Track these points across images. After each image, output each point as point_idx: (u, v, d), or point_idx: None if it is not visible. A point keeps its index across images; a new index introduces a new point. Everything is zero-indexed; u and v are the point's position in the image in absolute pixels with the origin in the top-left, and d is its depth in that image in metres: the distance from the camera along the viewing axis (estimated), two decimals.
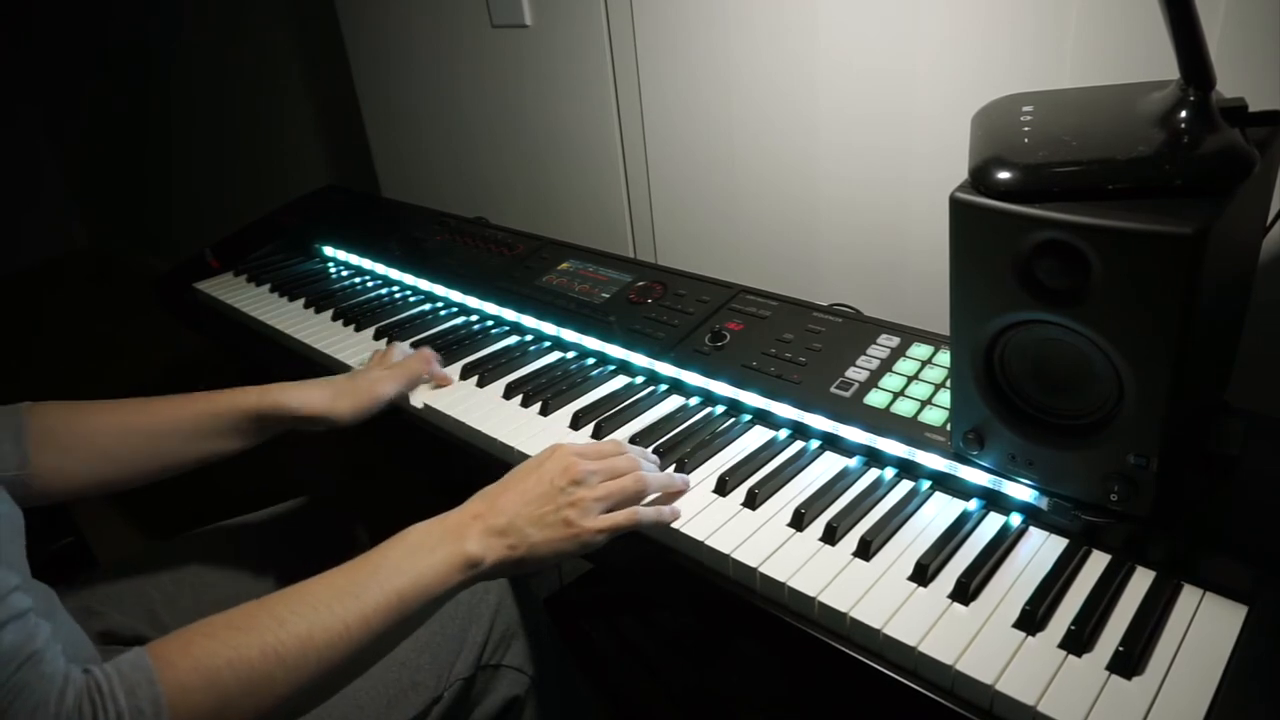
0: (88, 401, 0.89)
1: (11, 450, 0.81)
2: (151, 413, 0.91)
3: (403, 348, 1.09)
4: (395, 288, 1.35)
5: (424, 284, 1.31)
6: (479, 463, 0.95)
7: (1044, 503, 0.72)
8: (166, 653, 0.57)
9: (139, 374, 2.75)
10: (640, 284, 1.13)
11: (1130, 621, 0.63)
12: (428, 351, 1.06)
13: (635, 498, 0.78)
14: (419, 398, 1.02)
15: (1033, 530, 0.73)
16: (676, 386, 0.99)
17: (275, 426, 0.95)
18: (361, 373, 1.01)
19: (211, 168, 2.85)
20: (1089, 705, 0.57)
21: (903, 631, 0.64)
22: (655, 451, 0.86)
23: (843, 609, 0.66)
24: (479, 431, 0.95)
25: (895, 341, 0.92)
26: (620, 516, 0.76)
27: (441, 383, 1.05)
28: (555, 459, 0.77)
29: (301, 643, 0.60)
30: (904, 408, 0.83)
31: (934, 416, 0.81)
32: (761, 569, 0.71)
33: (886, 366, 0.89)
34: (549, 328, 1.12)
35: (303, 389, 0.95)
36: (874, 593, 0.68)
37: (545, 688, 0.95)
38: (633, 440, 0.89)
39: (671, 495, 0.81)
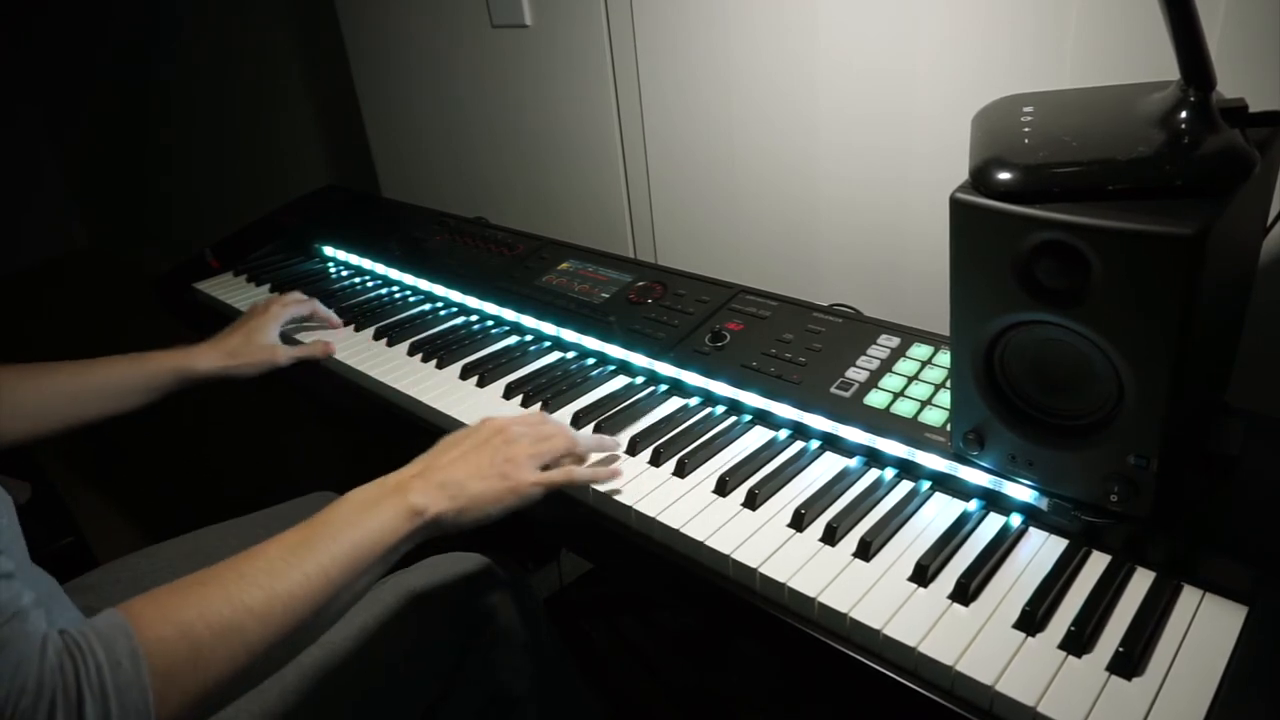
0: (21, 365, 1.00)
1: None
2: (84, 375, 1.02)
3: (289, 297, 1.22)
4: (395, 288, 1.35)
5: (424, 284, 1.31)
6: None
7: (1044, 503, 0.72)
8: (138, 609, 0.58)
9: None
10: (640, 284, 1.13)
11: (1130, 622, 0.63)
12: (300, 303, 1.20)
13: (566, 456, 0.83)
14: (424, 397, 1.02)
15: (1033, 531, 0.73)
16: (676, 387, 0.99)
17: (187, 385, 1.09)
18: (253, 330, 1.14)
19: (211, 168, 2.85)
20: (1089, 706, 0.57)
21: (903, 632, 0.64)
22: (655, 451, 0.86)
23: (843, 609, 0.66)
24: None
25: (895, 341, 0.92)
26: (557, 474, 0.81)
27: (330, 323, 1.21)
28: (486, 424, 0.83)
29: (267, 594, 0.62)
30: (904, 408, 0.83)
31: (934, 417, 0.81)
32: (761, 569, 0.71)
33: (886, 367, 0.89)
34: (549, 328, 1.12)
35: (208, 353, 1.10)
36: (874, 593, 0.68)
37: (545, 688, 0.95)
38: (633, 440, 0.89)
39: (608, 461, 0.86)
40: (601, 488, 0.83)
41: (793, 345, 0.94)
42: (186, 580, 0.62)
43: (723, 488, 0.81)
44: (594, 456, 0.87)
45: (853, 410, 0.85)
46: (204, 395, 1.12)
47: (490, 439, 0.80)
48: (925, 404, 0.83)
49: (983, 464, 0.74)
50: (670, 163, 1.34)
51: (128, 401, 1.05)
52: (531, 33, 1.43)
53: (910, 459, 0.80)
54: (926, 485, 0.79)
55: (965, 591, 0.66)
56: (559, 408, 0.97)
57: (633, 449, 0.88)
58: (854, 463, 0.83)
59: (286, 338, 1.19)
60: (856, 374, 0.88)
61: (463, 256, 1.33)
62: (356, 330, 1.22)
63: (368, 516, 0.71)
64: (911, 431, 0.80)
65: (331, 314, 1.22)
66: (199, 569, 0.96)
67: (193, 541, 1.02)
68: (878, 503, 0.78)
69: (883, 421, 0.82)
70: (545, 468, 0.81)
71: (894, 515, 0.75)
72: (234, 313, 1.35)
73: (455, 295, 1.26)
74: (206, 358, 1.10)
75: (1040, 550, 0.71)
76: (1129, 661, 0.59)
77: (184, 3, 2.51)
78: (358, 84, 1.82)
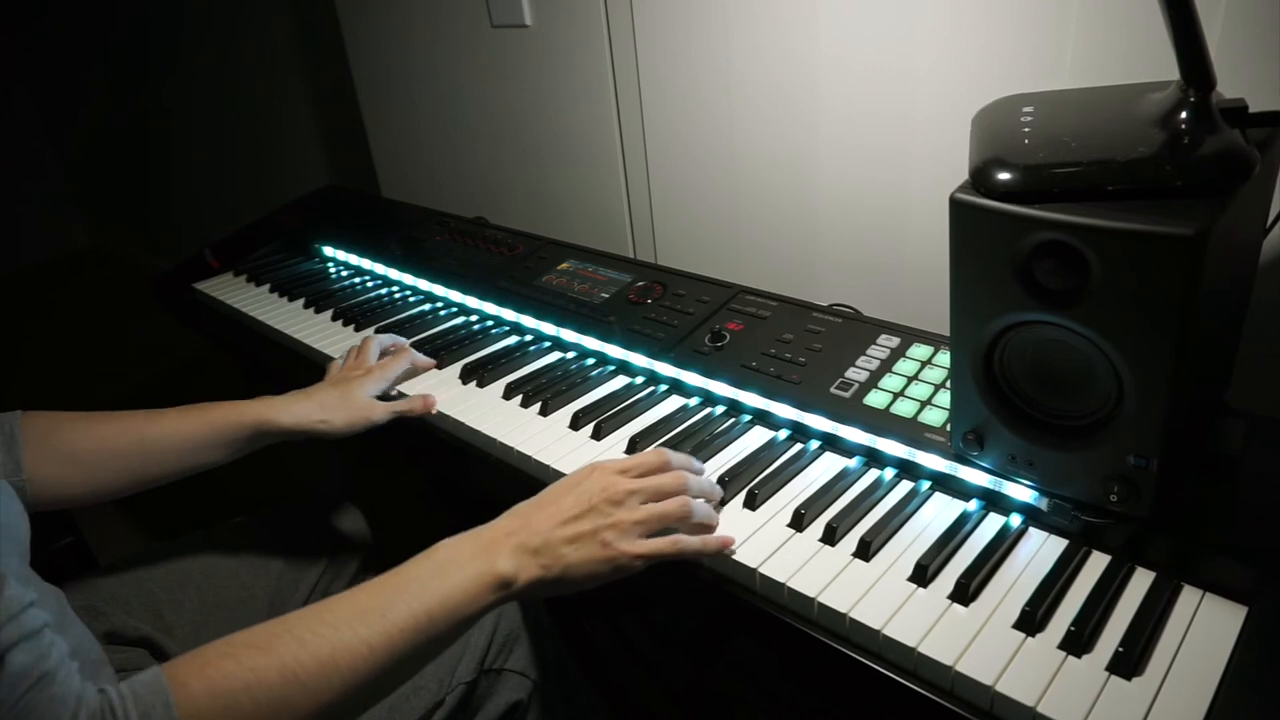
0: (83, 413, 0.90)
1: (5, 458, 0.81)
2: (147, 425, 0.91)
3: (381, 341, 1.10)
4: (395, 288, 1.35)
5: (424, 284, 1.31)
6: (479, 462, 0.95)
7: (1044, 503, 0.72)
8: (182, 674, 0.56)
9: (139, 374, 2.75)
10: (640, 284, 1.13)
11: (1130, 622, 0.63)
12: (405, 356, 1.07)
13: (679, 522, 0.74)
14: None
15: (1032, 531, 0.73)
16: (676, 387, 0.99)
17: (267, 440, 0.96)
18: (353, 386, 1.00)
19: (211, 168, 2.85)
20: (1089, 706, 0.57)
21: (902, 632, 0.64)
22: None
23: (842, 609, 0.66)
24: (479, 432, 0.95)
25: (895, 342, 0.92)
26: (663, 544, 0.72)
27: (424, 366, 1.08)
28: (595, 477, 0.74)
29: (323, 665, 0.58)
30: (904, 408, 0.83)
31: (934, 417, 0.81)
32: (761, 569, 0.71)
33: (886, 367, 0.88)
34: (549, 328, 1.12)
35: (295, 404, 0.96)
36: (874, 593, 0.68)
37: (548, 692, 0.95)
38: (633, 440, 0.89)
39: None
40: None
41: (792, 345, 0.94)
42: (239, 640, 0.59)
43: (722, 487, 0.81)
44: (701, 508, 0.76)
45: (852, 410, 0.85)
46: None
47: (595, 498, 0.72)
48: (925, 404, 0.83)
49: (982, 464, 0.74)
50: (670, 163, 1.34)
51: (201, 457, 0.93)
52: (531, 33, 1.43)
53: (910, 459, 0.80)
54: (926, 485, 0.79)
55: (965, 591, 0.66)
56: (559, 408, 0.97)
57: (632, 449, 0.88)
58: (854, 463, 0.83)
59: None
60: (856, 374, 0.88)
61: (463, 256, 1.33)
62: (357, 330, 1.22)
63: (449, 581, 0.65)
64: (911, 431, 0.80)
65: (423, 358, 1.09)
66: (203, 569, 0.97)
67: (194, 542, 1.01)
68: (877, 503, 0.78)
69: (882, 421, 0.82)
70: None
71: (894, 515, 0.75)
72: (234, 313, 1.35)
73: (455, 295, 1.26)
74: (293, 411, 0.95)
75: (1040, 550, 0.71)
76: (1129, 661, 0.59)
77: (184, 3, 2.51)
78: (358, 84, 1.82)
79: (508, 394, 1.01)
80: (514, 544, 0.69)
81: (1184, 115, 0.62)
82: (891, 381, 0.86)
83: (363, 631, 0.61)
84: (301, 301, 1.33)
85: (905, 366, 0.88)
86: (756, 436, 0.89)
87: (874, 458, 0.83)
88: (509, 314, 1.18)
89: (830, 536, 0.74)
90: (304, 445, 0.97)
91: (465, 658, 0.88)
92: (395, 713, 0.82)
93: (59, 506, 0.86)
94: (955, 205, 0.64)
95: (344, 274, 1.42)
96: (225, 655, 0.57)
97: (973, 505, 0.76)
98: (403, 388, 1.06)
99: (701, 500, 0.77)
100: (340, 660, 0.59)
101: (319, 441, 0.97)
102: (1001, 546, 0.70)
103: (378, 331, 1.19)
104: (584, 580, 0.70)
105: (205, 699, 0.55)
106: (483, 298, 1.21)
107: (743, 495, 0.79)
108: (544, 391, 0.99)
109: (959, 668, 0.61)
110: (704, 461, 0.85)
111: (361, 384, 1.00)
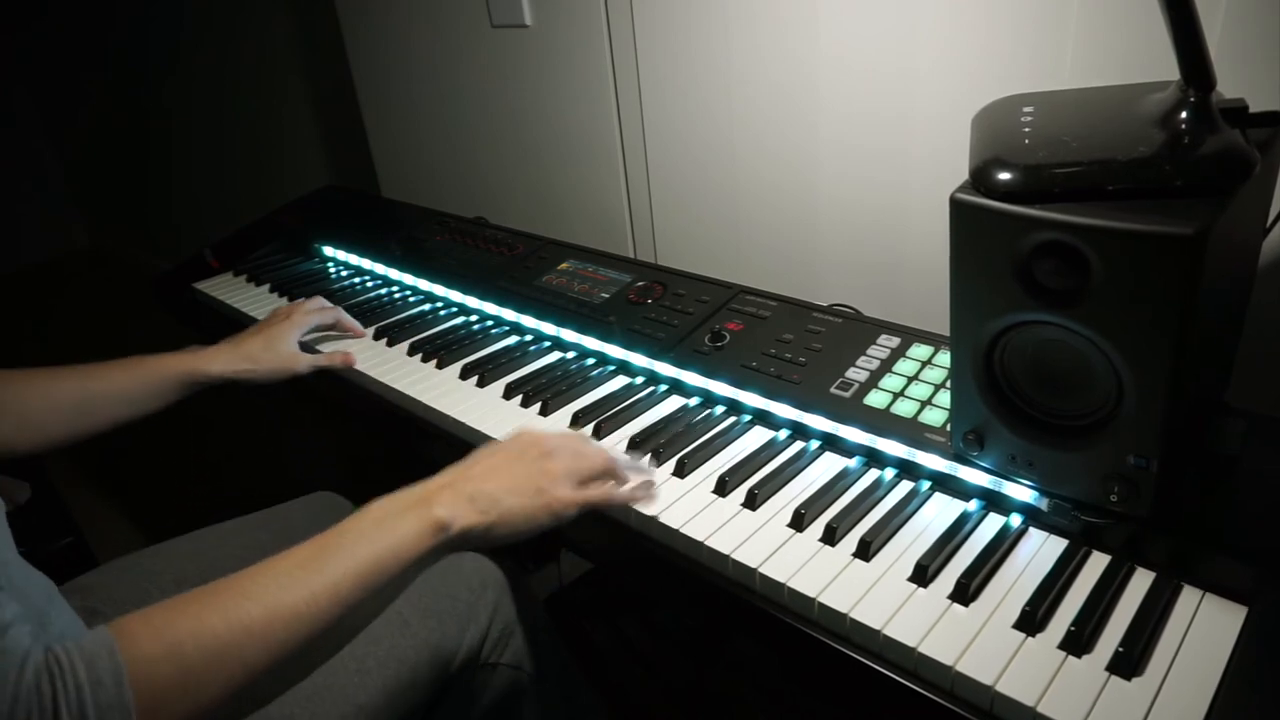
0: (27, 370, 0.96)
1: None
2: (88, 380, 0.99)
3: (314, 301, 1.20)
4: (395, 288, 1.35)
5: (424, 284, 1.31)
6: None
7: (1044, 503, 0.72)
8: (128, 626, 0.56)
9: None
10: (640, 284, 1.13)
11: (1130, 622, 0.63)
12: (329, 312, 1.18)
13: (603, 475, 0.80)
14: (424, 397, 1.02)
15: (1033, 531, 0.73)
16: (676, 387, 0.99)
17: (198, 387, 1.06)
18: (275, 333, 1.11)
19: (211, 167, 2.85)
20: (1089, 706, 0.57)
21: (902, 632, 0.64)
22: (655, 451, 0.86)
23: (842, 609, 0.66)
24: (479, 432, 0.95)
25: (895, 342, 0.92)
26: (594, 492, 0.77)
27: (354, 332, 1.19)
28: (523, 435, 0.79)
29: (268, 613, 0.59)
30: (904, 408, 0.83)
31: (934, 417, 0.81)
32: (761, 569, 0.71)
33: (886, 367, 0.89)
34: (549, 328, 1.12)
35: (222, 353, 1.07)
36: (874, 593, 0.68)
37: (544, 686, 0.95)
38: (633, 440, 0.89)
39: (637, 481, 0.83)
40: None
41: (793, 345, 0.94)
42: (185, 596, 0.60)
43: (722, 488, 0.81)
44: (633, 479, 0.82)
45: (853, 410, 0.85)
46: (205, 394, 1.10)
47: (526, 450, 0.76)
48: (925, 404, 0.83)
49: (983, 464, 0.74)
50: (670, 163, 1.34)
51: (138, 407, 1.02)
52: (531, 33, 1.43)
53: (910, 459, 0.80)
54: (926, 485, 0.79)
55: (965, 592, 0.66)
56: (559, 408, 0.97)
57: (632, 449, 0.88)
58: (854, 463, 0.83)
59: (307, 346, 1.14)
60: (856, 374, 0.88)
61: (463, 256, 1.33)
62: None
63: (387, 530, 0.67)
64: (911, 431, 0.80)
65: (355, 323, 1.19)
66: (201, 569, 0.97)
67: (193, 541, 1.01)
68: (878, 503, 0.78)
69: (883, 421, 0.82)
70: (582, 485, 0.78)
71: (894, 515, 0.75)
72: (234, 313, 1.35)
73: (455, 295, 1.26)
74: (221, 360, 1.06)
75: (1040, 550, 0.71)
76: (1129, 661, 0.59)
77: (184, 3, 2.51)
78: (358, 84, 1.82)
79: (508, 394, 1.01)
80: (450, 493, 0.71)
81: (1184, 115, 0.62)
82: (891, 381, 0.86)
83: (305, 581, 0.62)
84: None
85: (905, 366, 0.88)
86: (756, 436, 0.89)
87: (874, 458, 0.83)
88: (509, 314, 1.18)
89: (830, 536, 0.74)
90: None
91: (462, 652, 0.88)
92: (392, 707, 0.82)
93: (4, 459, 0.91)
94: (955, 205, 0.64)
95: (344, 274, 1.42)
96: (170, 608, 0.58)
97: (973, 505, 0.76)
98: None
99: (624, 456, 0.84)
100: (284, 610, 0.60)
101: (250, 390, 1.08)
102: (1001, 546, 0.70)
103: (377, 331, 1.19)
104: (522, 525, 0.73)
105: (152, 646, 0.55)
106: (483, 298, 1.21)
107: (743, 495, 0.79)
108: (544, 391, 0.99)
109: (959, 668, 0.61)
110: (704, 461, 0.86)
111: (282, 331, 1.11)
